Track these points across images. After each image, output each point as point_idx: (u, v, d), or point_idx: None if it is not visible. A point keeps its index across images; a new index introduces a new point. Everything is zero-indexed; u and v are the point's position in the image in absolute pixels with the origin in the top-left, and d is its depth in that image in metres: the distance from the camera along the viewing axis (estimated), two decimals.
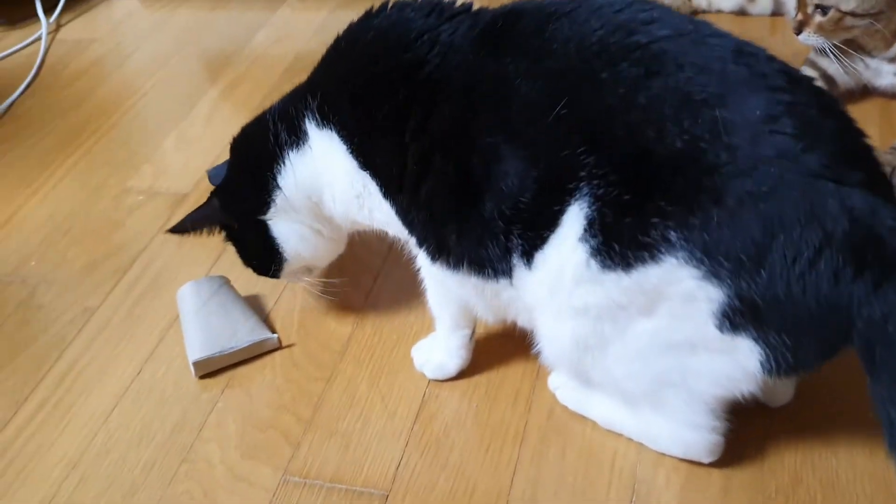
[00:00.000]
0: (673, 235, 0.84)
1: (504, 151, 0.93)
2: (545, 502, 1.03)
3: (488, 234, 0.96)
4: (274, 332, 1.27)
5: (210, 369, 1.23)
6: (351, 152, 1.07)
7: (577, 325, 0.95)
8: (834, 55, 1.53)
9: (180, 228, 1.23)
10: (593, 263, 0.90)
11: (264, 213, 1.18)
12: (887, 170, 1.39)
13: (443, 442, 1.12)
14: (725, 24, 1.86)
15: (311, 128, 1.11)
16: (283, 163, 1.14)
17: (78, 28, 2.22)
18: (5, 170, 1.74)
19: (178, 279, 1.37)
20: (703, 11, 1.91)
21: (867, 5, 1.45)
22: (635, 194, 0.86)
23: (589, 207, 0.89)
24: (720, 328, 0.87)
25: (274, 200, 1.16)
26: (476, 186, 0.95)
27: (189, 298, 1.29)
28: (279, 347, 1.26)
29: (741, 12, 1.89)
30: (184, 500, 1.08)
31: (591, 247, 0.89)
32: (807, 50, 1.63)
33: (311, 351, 1.26)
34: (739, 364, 0.89)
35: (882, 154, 1.44)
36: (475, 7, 1.07)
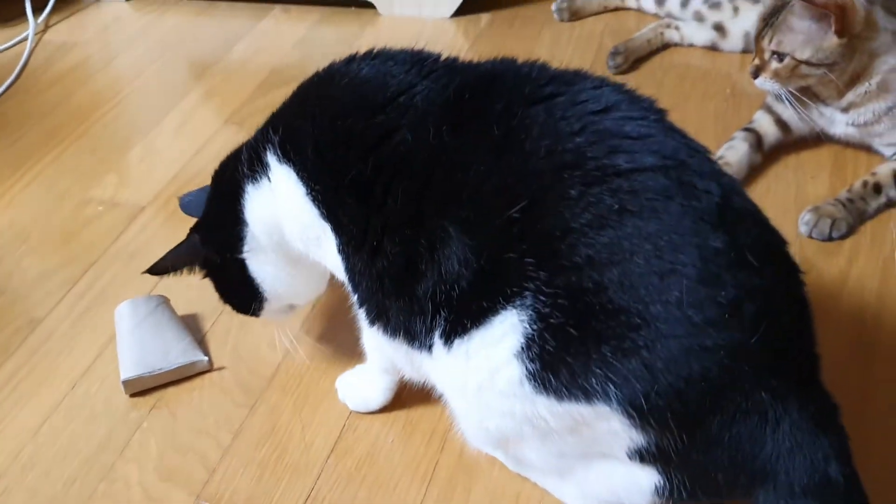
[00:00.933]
0: (611, 390, 0.82)
1: (452, 234, 0.89)
2: None
3: (418, 309, 0.94)
4: (207, 353, 1.30)
5: (140, 388, 1.26)
6: (311, 199, 1.02)
7: (500, 422, 0.94)
8: (789, 101, 1.54)
9: (160, 269, 1.16)
10: (527, 385, 0.87)
11: (239, 250, 1.13)
12: (828, 221, 1.40)
13: (354, 477, 1.14)
14: (697, 58, 1.88)
15: (273, 161, 1.05)
16: (246, 196, 1.09)
17: (65, 30, 2.25)
18: None
19: (124, 295, 1.40)
20: (676, 45, 1.92)
21: (821, 55, 1.45)
22: (582, 331, 0.83)
23: (530, 324, 0.85)
24: (630, 457, 0.89)
25: (244, 237, 1.12)
26: (421, 265, 0.92)
27: (126, 316, 1.32)
28: (210, 370, 1.29)
29: (713, 47, 1.90)
30: None
31: (528, 370, 0.87)
32: (762, 93, 1.64)
33: (241, 376, 1.28)
34: (637, 482, 0.91)
35: (825, 205, 1.44)
36: (459, 58, 1.05)
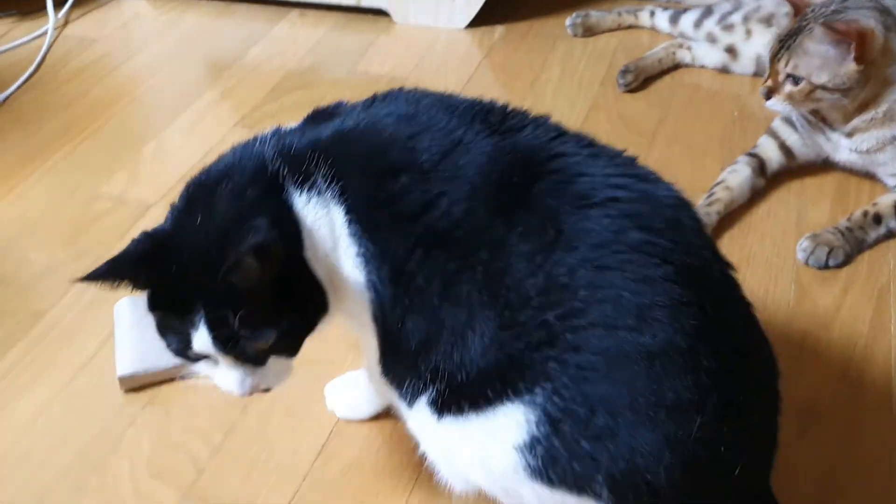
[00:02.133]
0: (605, 493, 0.85)
1: (479, 320, 0.87)
2: None
3: (415, 373, 0.93)
4: None
5: (136, 385, 1.29)
6: (355, 241, 0.94)
7: (483, 483, 0.96)
8: (799, 124, 1.54)
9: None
10: (523, 474, 0.88)
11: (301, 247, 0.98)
12: (825, 249, 1.41)
13: (338, 482, 1.15)
14: (707, 80, 1.89)
15: (327, 194, 0.94)
16: (293, 198, 0.96)
17: (85, 25, 2.29)
18: None
19: (126, 292, 1.42)
20: (687, 65, 1.92)
21: (838, 81, 1.46)
22: (594, 453, 0.84)
23: (537, 425, 0.85)
24: None
25: (301, 235, 0.98)
26: (437, 341, 0.90)
27: (125, 313, 1.34)
28: None
29: (723, 69, 1.90)
30: None
31: (528, 464, 0.87)
32: (770, 117, 1.64)
33: None
34: None
35: (824, 233, 1.45)
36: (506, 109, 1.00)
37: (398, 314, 0.91)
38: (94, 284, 0.93)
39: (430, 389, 0.92)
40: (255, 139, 0.99)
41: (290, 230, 0.92)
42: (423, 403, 0.94)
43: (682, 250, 0.87)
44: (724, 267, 0.92)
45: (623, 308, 0.83)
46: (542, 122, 0.96)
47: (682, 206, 0.91)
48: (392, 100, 1.00)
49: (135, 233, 1.49)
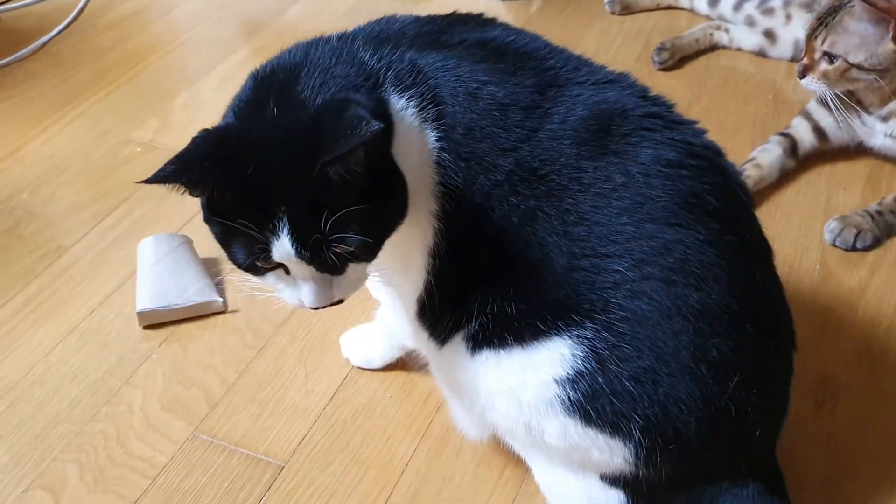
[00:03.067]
0: (637, 434, 0.86)
1: (553, 254, 0.87)
2: (426, 498, 1.06)
3: (461, 310, 0.92)
4: (223, 296, 1.33)
5: (154, 321, 1.29)
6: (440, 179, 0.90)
7: (502, 421, 0.96)
8: (833, 105, 1.52)
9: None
10: (559, 407, 0.89)
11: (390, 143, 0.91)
12: (853, 231, 1.39)
13: (349, 425, 1.16)
14: (743, 62, 1.87)
15: (417, 112, 0.90)
16: (391, 98, 0.91)
17: None
18: (25, 104, 1.82)
19: (151, 231, 1.43)
20: (724, 47, 1.90)
21: (875, 60, 1.43)
22: (635, 392, 0.85)
23: (583, 361, 0.86)
24: (603, 478, 0.96)
25: (392, 132, 0.91)
26: (501, 271, 0.90)
27: (148, 251, 1.35)
28: (223, 311, 1.32)
29: (761, 53, 1.88)
30: (97, 439, 1.15)
31: (567, 397, 0.87)
32: (805, 101, 1.62)
33: (253, 320, 1.31)
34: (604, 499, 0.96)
35: (853, 215, 1.43)
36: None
37: (465, 247, 0.90)
38: (158, 185, 0.82)
39: (472, 324, 0.92)
40: (327, 37, 0.93)
41: (386, 126, 0.84)
42: (458, 340, 0.94)
43: (744, 222, 0.92)
44: (763, 237, 0.95)
45: (687, 266, 0.85)
46: (629, 80, 0.97)
47: (741, 182, 0.95)
48: (490, 28, 0.99)
49: None
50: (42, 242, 1.46)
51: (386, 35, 0.96)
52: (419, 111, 0.89)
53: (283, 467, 1.11)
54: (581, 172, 0.87)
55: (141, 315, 1.29)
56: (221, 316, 1.32)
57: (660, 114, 0.92)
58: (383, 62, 0.89)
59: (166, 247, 1.36)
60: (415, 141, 0.89)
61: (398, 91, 0.88)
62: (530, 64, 0.93)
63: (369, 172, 0.81)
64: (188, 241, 1.38)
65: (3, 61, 1.94)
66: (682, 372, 0.85)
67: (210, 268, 1.37)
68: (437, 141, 0.89)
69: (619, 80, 0.95)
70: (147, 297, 1.30)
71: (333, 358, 1.24)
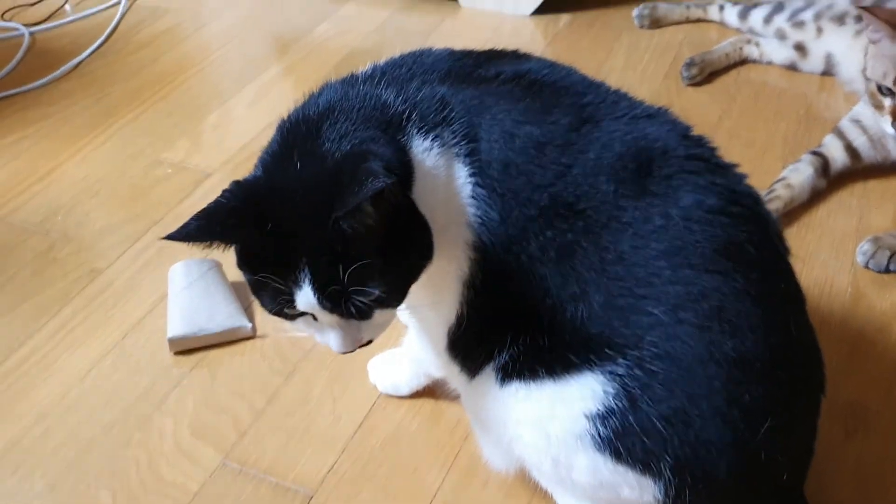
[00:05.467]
0: (667, 474, 0.87)
1: (590, 291, 0.87)
2: None
3: (495, 340, 0.92)
4: (252, 320, 1.34)
5: (185, 347, 1.31)
6: (477, 214, 0.91)
7: (530, 454, 0.95)
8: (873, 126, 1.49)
9: None
10: (589, 443, 0.88)
11: (409, 188, 0.92)
12: (886, 253, 1.37)
13: (376, 454, 1.16)
14: (774, 77, 1.85)
15: (454, 151, 0.91)
16: (413, 142, 0.92)
17: None
18: (59, 125, 1.85)
19: (181, 255, 1.45)
20: (755, 61, 1.89)
21: None
22: (666, 433, 0.85)
23: (614, 399, 0.86)
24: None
25: (412, 178, 0.92)
26: (536, 305, 0.89)
27: (179, 276, 1.37)
28: (252, 337, 1.33)
29: (792, 66, 1.86)
30: (130, 465, 1.17)
31: (597, 433, 0.87)
32: (837, 118, 1.60)
33: (281, 345, 1.32)
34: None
35: (886, 237, 1.41)
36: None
37: (501, 280, 0.90)
38: (181, 243, 0.84)
39: (504, 354, 0.92)
40: (354, 77, 0.95)
41: (403, 173, 0.86)
42: (488, 371, 0.94)
43: (781, 272, 0.92)
44: (798, 286, 0.94)
45: (724, 314, 0.85)
46: (669, 115, 0.96)
47: (779, 232, 0.94)
48: (525, 61, 0.99)
49: (195, 199, 1.55)
50: (76, 265, 1.49)
51: (416, 71, 0.96)
52: (451, 147, 0.90)
53: (312, 496, 1.12)
54: (620, 211, 0.87)
55: (171, 341, 1.30)
56: (250, 341, 1.33)
57: (703, 156, 0.91)
58: (409, 102, 0.90)
59: (196, 272, 1.37)
60: (443, 178, 0.90)
61: (422, 132, 0.89)
62: (567, 100, 0.93)
63: (385, 223, 0.82)
64: (218, 266, 1.40)
65: (39, 82, 1.98)
66: (713, 415, 0.85)
67: (239, 292, 1.39)
68: (470, 176, 0.90)
69: (659, 116, 0.95)
70: (178, 323, 1.32)
71: (361, 384, 1.25)
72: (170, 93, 1.95)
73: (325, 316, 0.86)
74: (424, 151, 0.89)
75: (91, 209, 1.61)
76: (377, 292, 0.83)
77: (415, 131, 0.89)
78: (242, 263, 0.87)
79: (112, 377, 1.29)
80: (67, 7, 2.29)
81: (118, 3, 2.25)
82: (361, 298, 0.83)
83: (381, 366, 1.25)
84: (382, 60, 1.00)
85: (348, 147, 0.84)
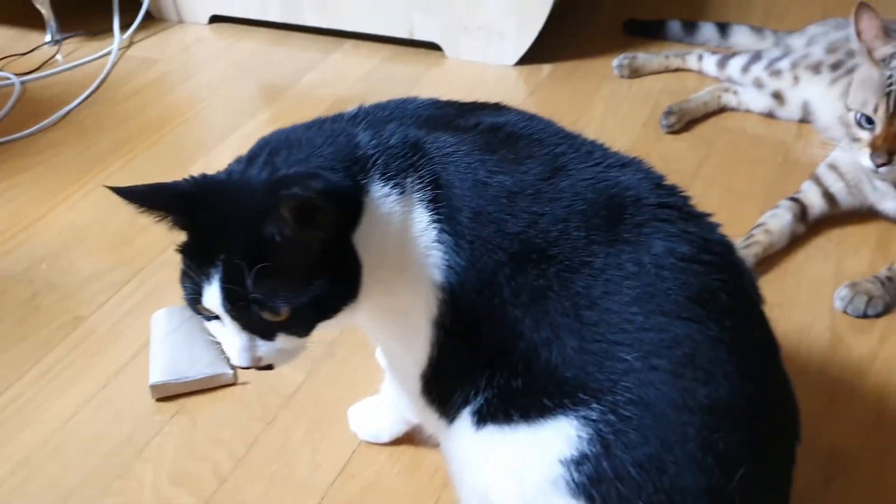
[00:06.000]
0: None
1: (564, 336, 0.88)
2: None
3: (469, 384, 0.93)
4: (233, 367, 1.35)
5: (166, 394, 1.31)
6: (446, 266, 0.92)
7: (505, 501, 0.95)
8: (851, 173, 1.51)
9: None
10: (564, 489, 0.88)
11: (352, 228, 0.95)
12: (864, 298, 1.39)
13: (356, 502, 1.16)
14: (752, 124, 1.88)
15: (419, 207, 0.93)
16: (373, 187, 0.94)
17: (148, 46, 2.37)
18: (48, 173, 1.87)
19: (165, 302, 1.46)
20: (733, 109, 1.92)
21: None
22: (640, 480, 0.84)
23: (588, 444, 0.86)
24: None
25: (360, 218, 0.94)
26: (509, 350, 0.90)
27: (161, 323, 1.38)
28: (233, 384, 1.34)
29: (769, 114, 1.90)
30: None
31: (572, 479, 0.87)
32: (815, 164, 1.63)
33: (262, 392, 1.32)
34: None
35: (864, 282, 1.43)
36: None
37: (472, 323, 0.92)
38: (129, 204, 0.90)
39: (479, 398, 0.92)
40: (340, 115, 0.99)
41: (351, 209, 0.89)
42: (465, 415, 0.94)
43: (754, 320, 0.93)
44: (772, 334, 0.95)
45: (697, 361, 0.85)
46: (643, 165, 0.98)
47: (751, 280, 0.95)
48: (504, 113, 1.01)
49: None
50: (59, 313, 1.49)
51: (396, 115, 0.99)
52: (413, 194, 0.92)
53: None
54: (592, 257, 0.88)
55: (154, 388, 1.31)
56: (231, 388, 1.33)
57: (675, 204, 0.93)
58: (379, 148, 0.93)
59: (178, 318, 1.38)
60: (399, 223, 0.92)
61: (384, 178, 0.92)
62: (541, 151, 0.95)
63: (305, 244, 0.86)
64: None
65: (28, 130, 2.00)
66: (688, 462, 0.85)
67: None
68: (434, 222, 0.92)
69: (632, 165, 0.97)
70: (160, 369, 1.32)
71: (342, 431, 1.25)
72: (157, 141, 1.97)
73: (228, 321, 0.89)
74: (382, 197, 0.91)
75: (76, 257, 1.62)
76: (280, 310, 0.86)
77: (377, 176, 0.92)
78: (181, 248, 0.91)
79: (93, 424, 1.29)
80: (59, 57, 2.32)
81: (109, 53, 2.29)
82: (263, 312, 0.86)
83: (361, 413, 1.25)
84: (369, 104, 1.03)
85: (305, 167, 0.88)
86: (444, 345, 0.95)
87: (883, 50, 1.45)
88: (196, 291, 0.89)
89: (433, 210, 0.92)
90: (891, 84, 1.40)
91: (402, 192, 0.92)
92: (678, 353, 0.85)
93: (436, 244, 0.92)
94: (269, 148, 0.93)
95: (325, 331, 0.94)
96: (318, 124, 0.98)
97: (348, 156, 0.91)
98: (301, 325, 0.90)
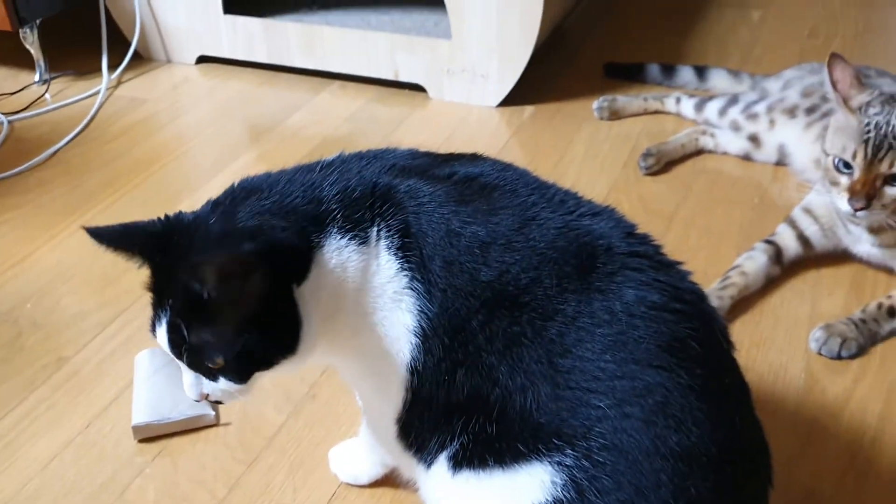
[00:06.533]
0: None
1: (539, 384, 0.89)
2: None
3: (445, 430, 0.95)
4: (215, 409, 1.36)
5: (149, 435, 1.32)
6: (419, 314, 0.95)
7: None
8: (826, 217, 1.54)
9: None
10: None
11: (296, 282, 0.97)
12: (838, 340, 1.41)
13: None
14: (729, 166, 1.92)
15: (384, 251, 0.96)
16: (329, 241, 0.96)
17: (136, 86, 2.40)
18: (35, 211, 1.89)
19: (149, 343, 1.47)
20: (710, 151, 1.96)
21: None
22: None
23: (562, 490, 0.87)
24: None
25: (308, 273, 0.97)
26: (486, 396, 0.91)
27: (144, 364, 1.39)
28: (216, 424, 1.34)
29: (746, 157, 1.93)
30: None
31: None
32: (790, 206, 1.66)
33: (244, 433, 1.33)
34: None
35: (838, 324, 1.45)
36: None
37: (447, 368, 0.93)
38: (98, 245, 0.96)
39: (455, 443, 0.94)
40: (317, 163, 1.01)
41: (295, 265, 0.92)
42: (441, 460, 0.96)
43: (725, 367, 0.94)
44: (743, 381, 0.97)
45: (668, 409, 0.87)
46: (615, 214, 0.99)
47: (722, 327, 0.97)
48: (480, 164, 1.04)
49: None
50: (43, 353, 1.50)
51: (373, 163, 1.01)
52: (369, 243, 0.95)
53: None
54: (565, 305, 0.90)
55: (136, 429, 1.31)
56: (213, 429, 1.34)
57: (646, 253, 0.95)
58: (342, 201, 0.96)
59: (161, 360, 1.39)
60: (357, 270, 0.94)
61: (343, 230, 0.95)
62: (514, 201, 0.97)
63: (234, 303, 0.89)
64: None
65: (16, 170, 2.02)
66: None
67: None
68: (404, 270, 0.94)
69: (604, 214, 0.99)
70: (142, 410, 1.33)
71: (322, 473, 1.26)
72: (144, 181, 1.99)
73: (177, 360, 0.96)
74: (337, 249, 0.94)
75: (62, 296, 1.63)
76: (214, 360, 0.92)
77: (334, 230, 0.95)
78: (146, 285, 0.97)
79: (75, 466, 1.29)
80: (48, 96, 2.34)
81: (97, 93, 2.31)
82: (199, 358, 0.93)
83: (342, 455, 1.26)
84: (350, 152, 1.05)
85: (254, 224, 0.92)
86: (418, 390, 0.96)
87: (859, 98, 1.49)
88: (153, 328, 0.96)
89: (402, 258, 0.95)
90: (868, 131, 1.44)
91: (362, 242, 0.95)
92: (650, 401, 0.87)
93: (407, 290, 0.94)
94: (234, 196, 0.97)
95: (267, 379, 0.98)
96: (291, 173, 1.00)
97: (309, 211, 0.95)
98: (237, 373, 0.95)
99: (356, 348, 0.99)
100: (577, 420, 0.88)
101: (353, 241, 0.95)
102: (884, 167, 1.43)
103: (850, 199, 1.46)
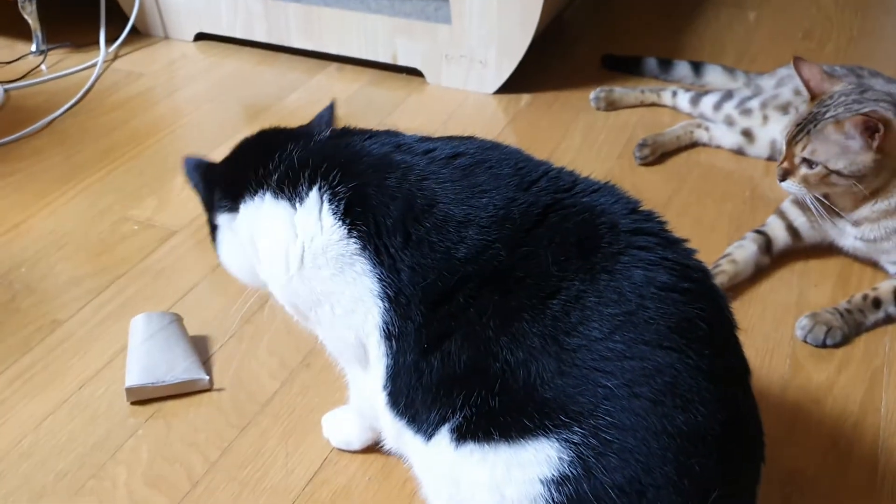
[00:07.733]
0: None
1: (539, 353, 0.90)
2: None
3: (446, 402, 0.95)
4: (210, 374, 1.37)
5: (142, 397, 1.33)
6: (377, 278, 0.98)
7: None
8: (812, 206, 1.58)
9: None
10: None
11: (215, 217, 1.21)
12: (823, 328, 1.44)
13: None
14: (722, 160, 1.94)
15: (326, 212, 1.01)
16: (259, 199, 1.07)
17: (133, 60, 2.40)
18: (29, 179, 1.89)
19: (143, 309, 1.48)
20: (704, 144, 1.99)
21: (854, 168, 1.48)
22: (619, 502, 0.86)
23: (569, 466, 0.88)
24: None
25: (223, 213, 1.17)
26: (487, 369, 0.92)
27: (139, 328, 1.40)
28: (209, 389, 1.36)
29: (739, 151, 1.96)
30: None
31: (550, 498, 0.89)
32: (780, 200, 1.69)
33: (237, 398, 1.34)
34: None
35: (823, 313, 1.48)
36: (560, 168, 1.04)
37: (431, 336, 0.95)
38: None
39: (457, 416, 0.94)
40: (303, 128, 1.19)
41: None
42: (443, 432, 0.96)
43: (730, 346, 0.96)
44: (745, 361, 0.99)
45: (676, 389, 0.88)
46: (617, 190, 1.01)
47: (726, 306, 0.98)
48: (465, 142, 1.06)
49: (159, 255, 1.59)
50: (37, 316, 1.50)
51: (347, 137, 1.08)
52: (324, 205, 1.01)
53: None
54: (567, 283, 0.91)
55: (129, 391, 1.32)
56: (207, 394, 1.35)
57: (652, 230, 0.96)
58: (285, 162, 1.05)
59: (157, 324, 1.40)
60: (281, 230, 1.04)
61: (275, 195, 1.05)
62: (499, 181, 0.98)
63: None
64: (179, 319, 1.42)
65: (11, 137, 2.02)
66: (666, 485, 0.87)
67: (199, 346, 1.41)
68: (354, 236, 0.99)
69: (604, 189, 1.00)
70: (136, 373, 1.34)
71: (315, 439, 1.28)
72: (140, 153, 1.99)
73: None
74: (267, 207, 1.05)
75: (56, 262, 1.64)
76: None
77: (266, 190, 1.06)
78: None
79: (68, 425, 1.30)
80: (44, 67, 2.34)
81: (94, 65, 2.31)
82: None
83: (334, 421, 1.28)
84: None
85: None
86: (399, 356, 0.98)
87: (832, 90, 1.57)
88: None
89: (348, 223, 0.99)
90: (808, 120, 1.54)
91: (297, 203, 1.03)
92: (659, 382, 0.88)
93: (358, 256, 0.98)
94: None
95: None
96: (276, 133, 1.20)
97: (254, 163, 1.09)
98: None
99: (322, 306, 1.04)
100: (585, 398, 0.88)
101: (284, 201, 1.03)
102: (797, 149, 1.54)
103: (780, 179, 1.58)
